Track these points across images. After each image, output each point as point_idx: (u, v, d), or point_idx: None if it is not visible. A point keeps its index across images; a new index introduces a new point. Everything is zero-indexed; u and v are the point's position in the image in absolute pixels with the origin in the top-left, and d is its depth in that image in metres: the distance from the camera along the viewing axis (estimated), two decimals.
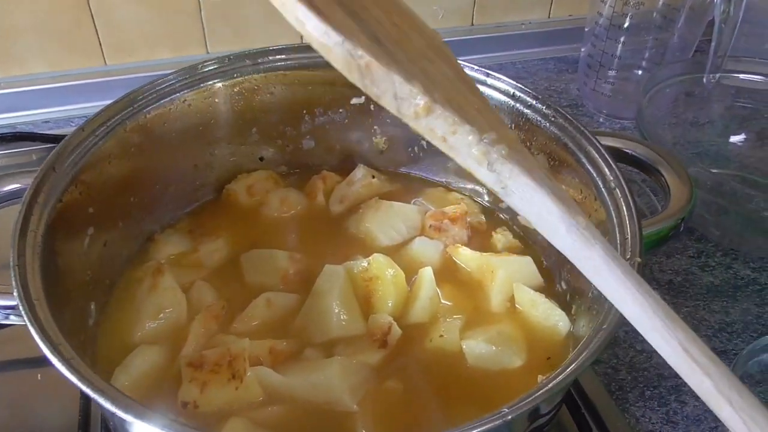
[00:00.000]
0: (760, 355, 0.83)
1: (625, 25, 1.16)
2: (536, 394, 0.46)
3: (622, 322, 0.54)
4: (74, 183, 0.68)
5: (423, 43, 0.40)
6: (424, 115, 0.37)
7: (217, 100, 0.85)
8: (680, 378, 0.82)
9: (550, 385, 0.47)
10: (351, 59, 0.36)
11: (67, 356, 0.50)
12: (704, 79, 1.11)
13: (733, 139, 1.15)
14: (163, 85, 0.79)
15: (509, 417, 0.44)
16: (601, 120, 1.28)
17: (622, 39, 1.18)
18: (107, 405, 0.45)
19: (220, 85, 0.84)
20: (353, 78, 0.37)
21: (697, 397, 0.80)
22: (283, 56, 0.86)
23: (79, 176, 0.69)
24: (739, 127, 1.15)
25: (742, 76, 1.13)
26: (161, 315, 0.73)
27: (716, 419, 0.78)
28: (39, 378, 0.79)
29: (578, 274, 0.74)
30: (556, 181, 0.38)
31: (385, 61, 0.36)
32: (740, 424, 0.37)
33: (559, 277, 0.80)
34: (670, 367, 0.83)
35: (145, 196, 0.82)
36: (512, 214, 0.88)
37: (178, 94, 0.80)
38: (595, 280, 0.38)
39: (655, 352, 0.86)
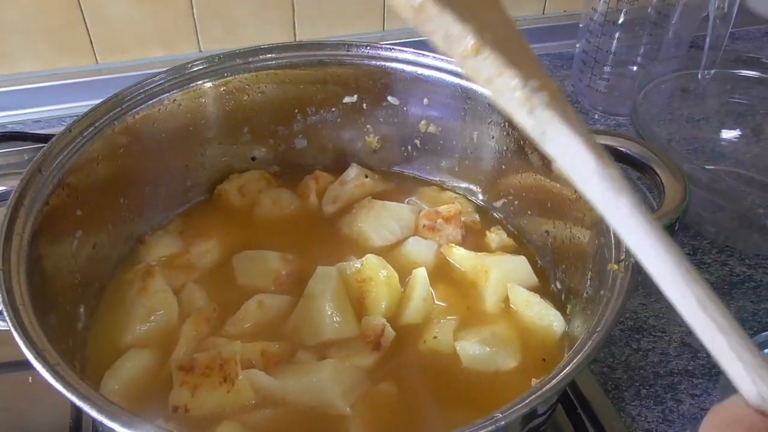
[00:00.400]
0: None
1: (620, 21, 1.16)
2: (529, 399, 0.45)
3: (617, 323, 0.53)
4: (61, 185, 0.67)
5: None
6: (473, 55, 0.38)
7: (207, 100, 0.84)
8: (675, 376, 0.83)
9: (543, 389, 0.46)
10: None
11: (52, 362, 0.49)
12: (699, 75, 1.10)
13: (728, 135, 1.15)
14: (152, 85, 0.78)
15: (502, 422, 0.43)
16: (596, 117, 1.27)
17: (617, 35, 1.17)
18: (92, 413, 0.45)
19: (209, 84, 0.83)
20: (408, 17, 0.39)
21: (693, 396, 0.81)
22: (273, 55, 0.85)
23: (66, 178, 0.68)
24: (734, 123, 1.15)
25: (737, 71, 1.12)
26: (152, 318, 0.72)
27: None
28: (30, 381, 0.78)
29: (573, 274, 0.74)
30: (593, 137, 0.39)
31: (439, 1, 0.38)
32: (749, 382, 0.39)
33: (554, 277, 0.79)
34: (665, 366, 0.84)
35: (135, 198, 0.81)
36: (506, 213, 0.88)
37: (167, 94, 0.79)
38: (622, 231, 0.40)
39: (651, 350, 0.87)
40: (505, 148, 0.83)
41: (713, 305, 0.38)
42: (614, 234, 0.61)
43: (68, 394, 0.46)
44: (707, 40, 1.05)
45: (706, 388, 0.82)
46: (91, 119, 0.73)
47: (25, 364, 0.52)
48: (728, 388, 0.78)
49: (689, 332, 0.88)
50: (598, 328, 0.52)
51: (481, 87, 0.40)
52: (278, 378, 0.66)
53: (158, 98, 0.79)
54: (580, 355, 0.49)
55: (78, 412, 0.74)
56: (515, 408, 0.45)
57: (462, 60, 0.39)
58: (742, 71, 1.11)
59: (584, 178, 0.39)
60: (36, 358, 0.49)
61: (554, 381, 0.47)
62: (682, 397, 0.81)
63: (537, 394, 0.46)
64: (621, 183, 0.39)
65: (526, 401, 0.45)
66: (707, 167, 0.97)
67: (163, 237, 0.83)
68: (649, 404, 0.80)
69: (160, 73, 0.79)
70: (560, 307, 0.75)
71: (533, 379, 0.61)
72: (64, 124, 1.16)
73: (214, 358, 0.65)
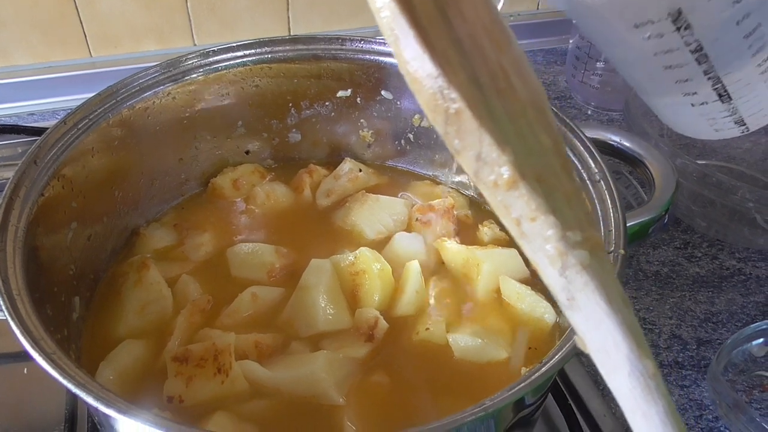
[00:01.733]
0: (743, 345, 0.83)
1: None
2: (518, 387, 0.46)
3: None
4: (56, 177, 0.68)
5: (527, 98, 0.32)
6: (505, 189, 0.31)
7: (201, 94, 0.84)
8: (665, 368, 0.84)
9: (531, 378, 0.47)
10: (440, 99, 0.30)
11: (48, 351, 0.50)
12: None
13: None
14: (146, 78, 0.79)
15: (491, 410, 0.44)
16: (589, 112, 1.28)
17: None
18: (89, 400, 0.45)
19: (203, 78, 0.83)
20: (435, 121, 0.31)
21: (682, 387, 0.82)
22: (268, 49, 0.85)
23: (61, 170, 0.69)
24: None
25: None
26: (146, 309, 0.73)
27: (700, 408, 0.80)
28: (25, 372, 0.78)
29: None
30: (632, 311, 0.32)
31: (480, 112, 0.29)
32: None
33: None
34: (655, 358, 0.84)
35: (130, 190, 0.81)
36: None
37: (161, 87, 0.80)
38: None
39: None
40: None
41: None
42: (603, 226, 0.62)
43: (65, 382, 0.47)
44: None
45: (695, 379, 0.83)
46: (85, 111, 0.73)
47: (21, 356, 0.53)
48: (717, 380, 0.80)
49: (679, 325, 0.90)
50: None
51: (508, 226, 0.32)
52: (272, 369, 0.66)
53: (153, 91, 0.79)
54: (568, 345, 0.50)
55: (74, 403, 0.74)
56: (504, 396, 0.45)
57: (491, 190, 0.32)
58: None
59: (611, 365, 0.32)
60: (33, 347, 0.50)
61: (543, 370, 0.48)
62: (672, 389, 0.82)
63: (526, 382, 0.47)
64: (656, 383, 0.32)
65: (515, 390, 0.46)
66: (698, 162, 0.98)
67: (157, 229, 0.84)
68: None
69: (154, 66, 0.80)
70: (551, 298, 0.76)
71: (522, 368, 0.62)
72: (58, 117, 1.16)
73: (209, 349, 0.65)
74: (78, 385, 0.46)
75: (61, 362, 0.48)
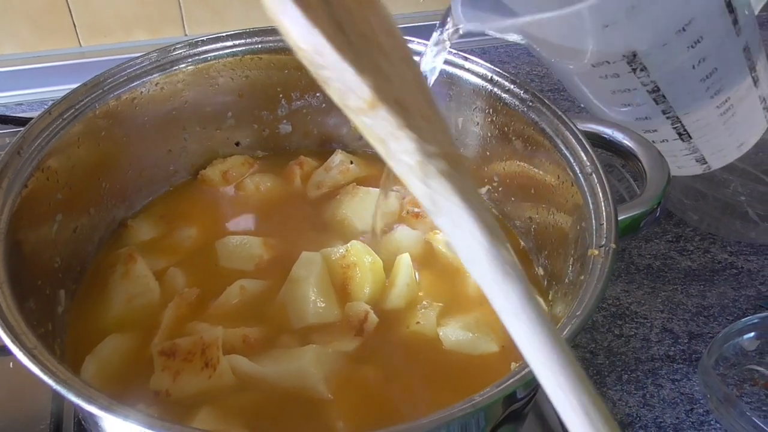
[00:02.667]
0: (735, 339, 0.83)
1: None
2: (507, 382, 0.46)
3: (596, 310, 0.54)
4: (41, 168, 0.66)
5: (391, 44, 0.38)
6: (368, 111, 0.35)
7: (189, 84, 0.83)
8: (656, 362, 0.84)
9: (522, 373, 0.47)
10: (307, 36, 0.35)
11: (29, 346, 0.49)
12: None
13: None
14: (134, 68, 0.77)
15: (479, 405, 0.43)
16: (581, 105, 1.27)
17: None
18: (70, 396, 0.44)
19: (192, 68, 0.82)
20: (303, 56, 0.36)
21: (673, 380, 0.82)
22: (258, 39, 0.84)
23: (46, 161, 0.67)
24: None
25: None
26: (133, 302, 0.72)
27: (691, 402, 0.80)
28: (11, 366, 0.77)
29: (555, 260, 0.74)
30: (489, 211, 0.37)
31: (339, 46, 0.34)
32: None
33: (537, 262, 0.79)
34: (647, 351, 0.85)
35: (117, 182, 0.80)
36: (490, 199, 0.88)
37: (149, 78, 0.79)
38: (507, 320, 0.37)
39: (633, 336, 0.88)
40: (489, 134, 0.83)
41: (598, 413, 0.34)
42: (595, 220, 0.61)
43: (46, 378, 0.46)
44: None
45: (687, 373, 0.83)
46: (71, 101, 0.72)
47: (5, 350, 0.52)
48: (708, 374, 0.80)
49: (670, 318, 0.89)
50: (578, 313, 0.52)
51: (375, 147, 0.36)
52: (260, 363, 0.65)
53: (140, 81, 0.78)
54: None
55: (59, 398, 0.73)
56: (493, 392, 0.45)
57: (356, 115, 0.36)
58: None
59: (474, 257, 0.36)
60: (13, 343, 0.49)
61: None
62: (663, 382, 0.82)
63: (515, 378, 0.46)
64: (513, 268, 0.36)
65: (504, 385, 0.45)
66: None
67: (145, 221, 0.83)
68: (630, 389, 0.81)
69: (141, 56, 0.78)
70: (542, 292, 0.75)
71: (512, 363, 0.62)
72: (47, 107, 1.15)
73: (196, 343, 0.65)
74: (59, 381, 0.45)
75: (42, 358, 0.47)
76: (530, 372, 0.45)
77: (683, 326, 0.89)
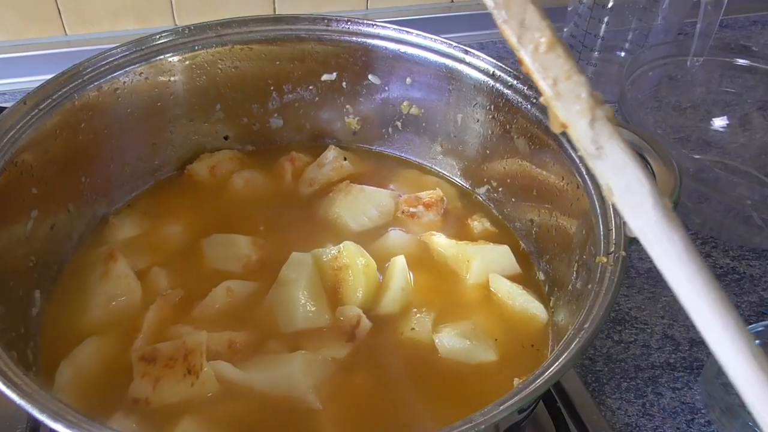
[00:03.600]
0: None
1: (609, 5, 1.13)
2: (510, 402, 0.42)
3: (604, 323, 0.51)
4: (14, 162, 0.63)
5: None
6: (545, 50, 0.37)
7: (175, 75, 0.79)
8: (657, 369, 0.81)
9: (526, 392, 0.43)
10: None
11: None
12: (688, 63, 1.08)
13: (716, 124, 1.13)
14: (115, 57, 0.74)
15: (481, 426, 0.40)
16: None
17: (605, 19, 1.14)
18: (34, 413, 0.41)
19: (178, 57, 0.78)
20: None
21: (673, 389, 0.80)
22: (248, 28, 0.81)
23: (19, 154, 0.64)
24: (722, 112, 1.13)
25: (725, 59, 1.10)
26: (113, 303, 0.69)
27: (692, 412, 0.78)
28: None
29: (558, 265, 0.71)
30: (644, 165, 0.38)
31: None
32: None
33: (537, 267, 0.77)
34: (647, 359, 0.82)
35: (98, 177, 0.77)
36: (490, 199, 0.85)
37: (132, 67, 0.75)
38: (667, 267, 0.38)
39: (633, 342, 0.85)
40: (490, 132, 0.79)
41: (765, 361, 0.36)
42: (603, 225, 0.58)
43: (7, 392, 0.42)
44: (698, 26, 1.02)
45: (687, 381, 0.81)
46: (47, 92, 0.68)
47: None
48: (710, 383, 0.77)
49: (671, 324, 0.87)
50: (586, 325, 0.49)
51: (543, 86, 0.38)
52: (246, 370, 0.62)
53: (123, 71, 0.74)
54: (566, 354, 0.46)
55: None
56: (494, 413, 0.41)
57: (532, 54, 0.37)
58: (730, 59, 1.09)
59: (636, 202, 0.37)
60: None
61: (537, 383, 0.44)
62: (663, 391, 0.80)
63: (519, 396, 0.43)
64: (675, 215, 0.37)
65: (507, 404, 0.42)
66: (694, 156, 0.95)
67: (128, 217, 0.79)
68: (630, 397, 0.79)
69: (123, 45, 0.75)
70: (543, 298, 0.72)
71: (515, 379, 0.59)
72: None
73: (178, 348, 0.61)
74: (23, 395, 0.42)
75: (6, 368, 0.44)
76: (534, 390, 0.43)
77: (684, 333, 0.86)
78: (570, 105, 0.37)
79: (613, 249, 0.55)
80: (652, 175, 0.38)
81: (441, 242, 0.76)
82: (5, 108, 1.04)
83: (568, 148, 0.66)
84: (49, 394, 0.43)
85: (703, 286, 0.37)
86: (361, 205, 0.81)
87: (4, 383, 0.42)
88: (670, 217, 0.37)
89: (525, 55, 0.38)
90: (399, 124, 0.89)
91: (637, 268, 0.94)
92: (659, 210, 0.37)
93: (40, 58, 1.20)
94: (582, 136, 0.38)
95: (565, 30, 1.23)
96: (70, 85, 0.70)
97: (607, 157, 0.37)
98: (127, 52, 0.74)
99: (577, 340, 0.47)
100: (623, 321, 0.87)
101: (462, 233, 0.80)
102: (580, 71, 0.37)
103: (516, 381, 0.59)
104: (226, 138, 0.89)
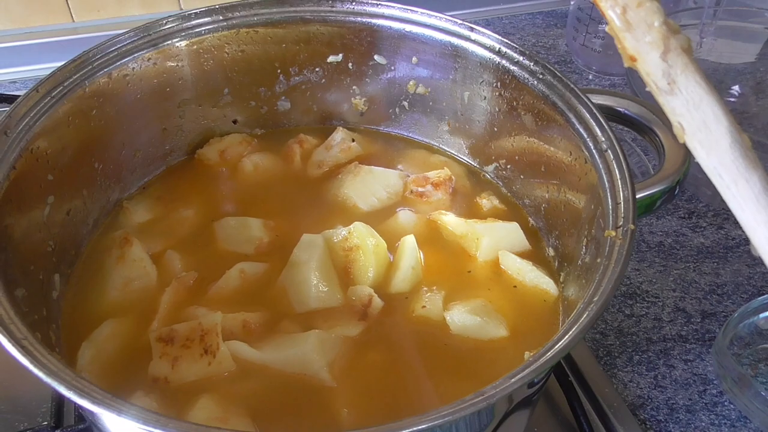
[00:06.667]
0: (751, 318, 0.81)
1: None
2: (520, 375, 0.43)
3: (613, 295, 0.51)
4: (29, 149, 0.64)
5: None
6: None
7: (183, 59, 0.80)
8: (668, 342, 0.82)
9: (537, 364, 0.44)
10: None
11: (18, 336, 0.47)
12: (699, 32, 1.07)
13: (728, 93, 1.12)
14: (123, 43, 0.74)
15: (493, 399, 0.41)
16: (590, 77, 1.24)
17: None
18: (61, 390, 0.42)
19: (185, 42, 0.78)
20: None
21: (685, 361, 0.80)
22: (252, 11, 0.81)
23: (34, 141, 0.64)
24: (734, 81, 1.12)
25: (737, 25, 1.08)
26: (130, 286, 0.70)
27: (704, 383, 0.78)
28: None
29: (567, 240, 0.72)
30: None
31: None
32: None
33: (547, 242, 0.77)
34: (658, 331, 0.83)
35: (111, 162, 0.77)
36: (498, 176, 0.85)
37: (140, 53, 0.75)
38: (743, 209, 0.36)
39: (644, 316, 0.85)
40: (497, 109, 0.79)
41: None
42: (611, 199, 0.58)
43: (35, 371, 0.43)
44: None
45: (700, 353, 0.81)
46: (59, 79, 0.69)
47: None
48: (722, 353, 0.77)
49: (683, 297, 0.87)
50: (595, 298, 0.49)
51: (611, 15, 0.35)
52: (261, 349, 0.63)
53: (131, 57, 0.75)
54: (576, 327, 0.47)
55: None
56: (506, 385, 0.42)
57: None
58: (742, 25, 1.08)
59: (712, 140, 0.34)
60: (2, 333, 0.46)
61: (548, 355, 0.44)
62: (675, 363, 0.80)
63: (530, 369, 0.44)
64: (755, 155, 0.35)
65: (518, 377, 0.43)
66: None
67: (141, 202, 0.80)
68: (642, 370, 0.79)
69: (130, 31, 0.75)
70: (553, 273, 0.73)
71: (526, 353, 0.59)
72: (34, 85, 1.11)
73: (195, 329, 0.63)
74: (50, 374, 0.43)
75: (32, 348, 0.45)
76: (545, 362, 0.43)
77: (696, 305, 0.86)
78: (641, 35, 0.34)
79: (621, 222, 0.56)
80: (729, 110, 0.35)
81: (450, 221, 0.77)
82: (18, 96, 1.06)
83: (575, 122, 0.66)
84: (74, 372, 0.44)
85: None
86: (370, 185, 0.81)
87: (32, 362, 0.44)
88: (748, 157, 0.34)
89: None
90: (406, 103, 0.89)
91: (647, 241, 0.94)
92: (737, 149, 0.34)
93: (47, 45, 1.21)
94: (653, 69, 0.35)
95: (572, 3, 1.21)
96: (80, 72, 0.70)
97: (681, 92, 0.35)
98: (135, 38, 0.75)
99: (587, 313, 0.48)
100: (634, 295, 0.87)
101: (471, 211, 0.81)
102: None
103: (527, 354, 0.59)
104: (234, 122, 0.89)
